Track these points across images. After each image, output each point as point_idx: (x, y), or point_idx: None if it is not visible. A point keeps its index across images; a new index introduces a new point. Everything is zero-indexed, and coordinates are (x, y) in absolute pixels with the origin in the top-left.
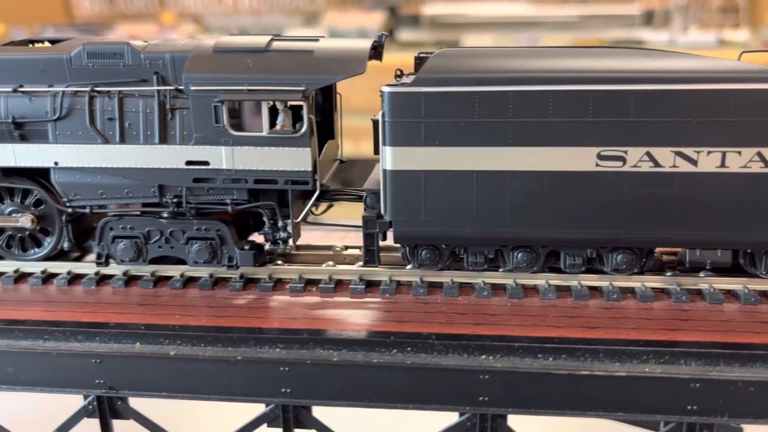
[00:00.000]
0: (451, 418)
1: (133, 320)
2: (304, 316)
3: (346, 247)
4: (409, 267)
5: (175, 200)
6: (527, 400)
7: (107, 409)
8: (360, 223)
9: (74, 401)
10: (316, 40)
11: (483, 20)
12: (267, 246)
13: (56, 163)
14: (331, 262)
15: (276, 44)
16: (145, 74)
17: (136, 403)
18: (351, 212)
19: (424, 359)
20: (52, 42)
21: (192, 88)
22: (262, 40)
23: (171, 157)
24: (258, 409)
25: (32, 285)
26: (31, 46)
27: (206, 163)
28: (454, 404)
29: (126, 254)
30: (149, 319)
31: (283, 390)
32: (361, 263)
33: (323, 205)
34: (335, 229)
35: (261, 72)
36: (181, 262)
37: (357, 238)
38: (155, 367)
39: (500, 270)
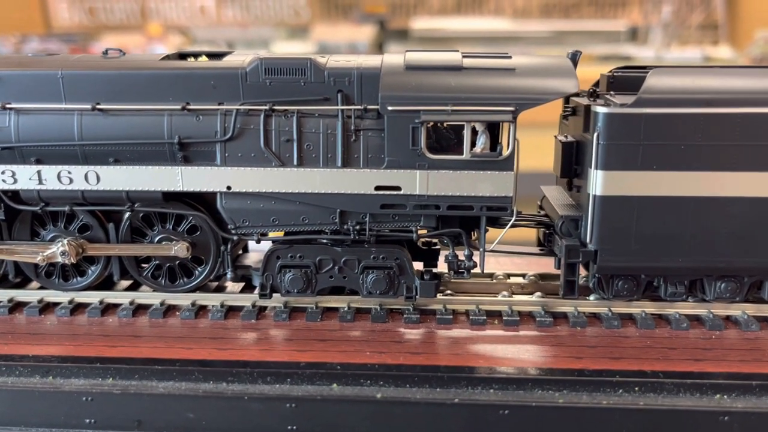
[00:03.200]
0: None
1: (320, 359)
2: (504, 353)
3: (509, 275)
4: (592, 297)
5: (357, 227)
6: None
7: None
8: (536, 250)
9: None
10: (508, 57)
11: (468, 35)
12: (450, 275)
13: (229, 188)
14: (505, 292)
15: (469, 61)
16: (328, 92)
17: None
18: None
19: (655, 400)
20: (209, 56)
21: (389, 108)
22: (455, 57)
23: (358, 181)
24: None
25: (184, 319)
26: (191, 60)
27: (398, 188)
28: None
29: (295, 285)
30: (338, 357)
31: None
32: (539, 293)
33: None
34: (511, 255)
35: (465, 91)
36: (335, 291)
37: (498, 264)
38: (357, 411)
39: (690, 300)
